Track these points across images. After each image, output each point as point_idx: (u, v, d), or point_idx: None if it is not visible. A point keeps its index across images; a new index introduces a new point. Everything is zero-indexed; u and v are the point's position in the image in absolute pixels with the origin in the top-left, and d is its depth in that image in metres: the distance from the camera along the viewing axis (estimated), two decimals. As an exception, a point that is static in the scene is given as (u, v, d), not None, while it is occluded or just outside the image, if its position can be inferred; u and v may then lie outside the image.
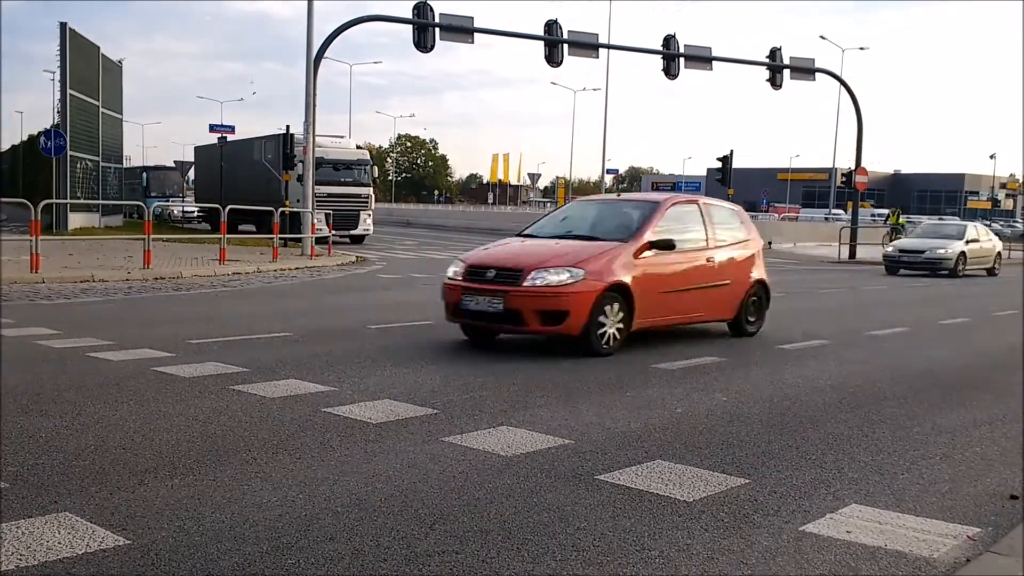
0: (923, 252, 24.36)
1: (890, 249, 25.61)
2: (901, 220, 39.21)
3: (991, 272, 26.11)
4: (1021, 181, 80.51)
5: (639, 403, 6.58)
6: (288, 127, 24.43)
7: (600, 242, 9.14)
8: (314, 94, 22.89)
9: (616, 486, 4.59)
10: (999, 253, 26.76)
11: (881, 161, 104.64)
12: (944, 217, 46.68)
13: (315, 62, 22.86)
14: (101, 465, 4.68)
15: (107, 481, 4.42)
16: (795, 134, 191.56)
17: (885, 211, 55.84)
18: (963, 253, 24.39)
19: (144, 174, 46.84)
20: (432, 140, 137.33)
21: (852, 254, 30.50)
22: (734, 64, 31.14)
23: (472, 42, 26.10)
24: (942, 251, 24.15)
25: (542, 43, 26.94)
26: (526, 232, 10.10)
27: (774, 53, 30.39)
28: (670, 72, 28.76)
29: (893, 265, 24.85)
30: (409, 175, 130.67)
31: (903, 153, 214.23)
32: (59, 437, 5.19)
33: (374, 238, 32.50)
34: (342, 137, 33.44)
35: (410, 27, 24.68)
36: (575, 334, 8.46)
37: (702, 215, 10.11)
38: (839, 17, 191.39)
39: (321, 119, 23.77)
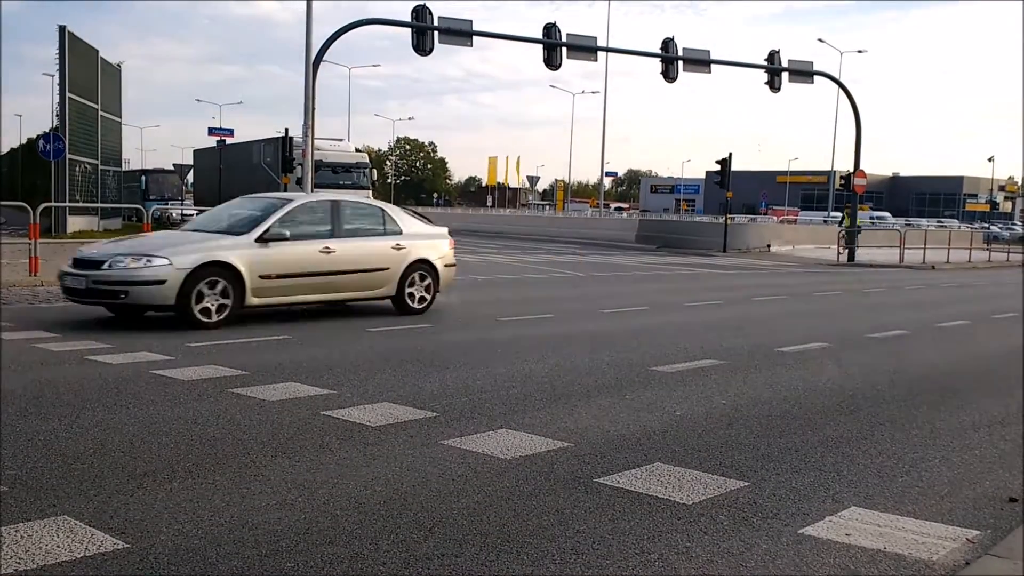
0: (100, 265, 9.96)
1: (69, 265, 10.53)
2: (858, 221, 37.86)
3: (405, 305, 11.49)
4: (1019, 184, 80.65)
5: (638, 406, 6.58)
6: (287, 130, 24.49)
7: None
8: (313, 97, 22.89)
9: (615, 489, 4.59)
10: (427, 263, 11.69)
11: (880, 164, 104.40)
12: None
13: (314, 65, 22.86)
14: (100, 468, 4.68)
15: (106, 484, 4.42)
16: (794, 137, 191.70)
17: (885, 213, 55.65)
18: (207, 268, 9.88)
19: (143, 177, 46.73)
20: (431, 143, 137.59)
21: (851, 256, 30.52)
22: (733, 67, 31.16)
23: (471, 45, 26.16)
24: (137, 266, 9.75)
25: (541, 46, 26.96)
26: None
27: (772, 56, 30.42)
28: (669, 75, 28.79)
29: (76, 296, 10.19)
30: (408, 178, 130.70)
31: (902, 156, 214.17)
32: (58, 440, 5.19)
33: (373, 241, 32.44)
34: (341, 140, 33.51)
35: (409, 30, 24.71)
36: None
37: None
38: (837, 20, 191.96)
39: (320, 122, 23.85)
